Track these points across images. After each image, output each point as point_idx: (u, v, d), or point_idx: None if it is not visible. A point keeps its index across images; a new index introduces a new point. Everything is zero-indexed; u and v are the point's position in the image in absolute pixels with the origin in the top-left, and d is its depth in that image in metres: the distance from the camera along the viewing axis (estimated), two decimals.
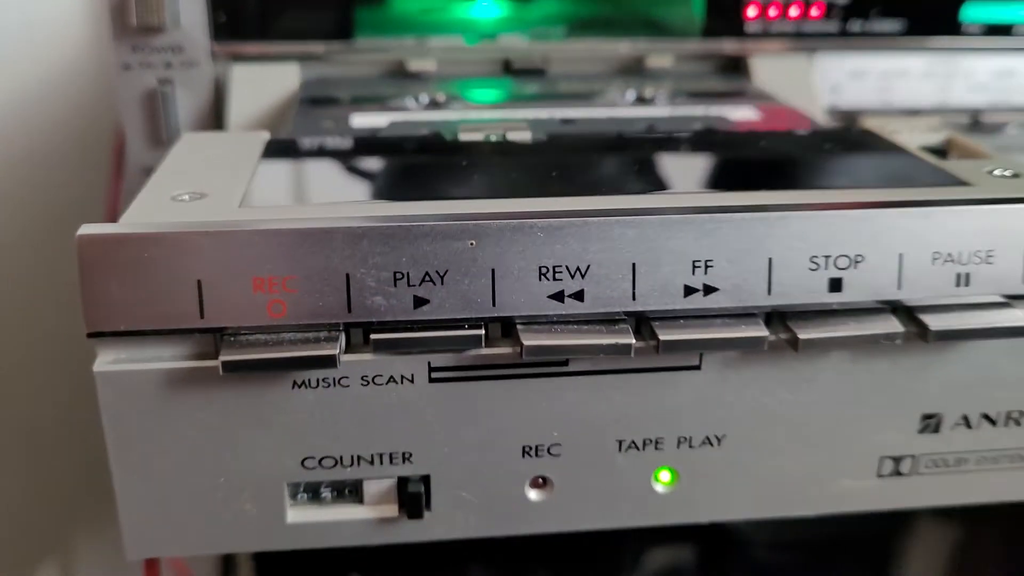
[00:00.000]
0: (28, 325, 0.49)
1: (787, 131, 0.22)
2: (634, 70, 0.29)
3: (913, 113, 0.29)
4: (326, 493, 0.18)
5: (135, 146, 0.27)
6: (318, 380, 0.16)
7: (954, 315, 0.17)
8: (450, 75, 0.28)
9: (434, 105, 0.25)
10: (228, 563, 0.50)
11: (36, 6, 0.43)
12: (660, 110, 0.25)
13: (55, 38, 0.44)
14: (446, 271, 0.16)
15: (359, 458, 0.17)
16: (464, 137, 0.21)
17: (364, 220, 0.16)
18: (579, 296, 0.16)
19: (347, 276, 0.16)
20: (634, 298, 0.16)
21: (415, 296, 0.16)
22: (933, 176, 0.19)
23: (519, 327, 0.16)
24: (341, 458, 0.17)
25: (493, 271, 0.16)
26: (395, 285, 0.16)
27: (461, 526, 0.18)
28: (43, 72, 0.44)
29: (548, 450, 0.18)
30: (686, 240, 0.16)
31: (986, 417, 0.19)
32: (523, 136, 0.21)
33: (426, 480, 0.17)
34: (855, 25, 0.29)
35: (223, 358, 0.15)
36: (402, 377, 0.17)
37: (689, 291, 0.16)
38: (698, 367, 0.17)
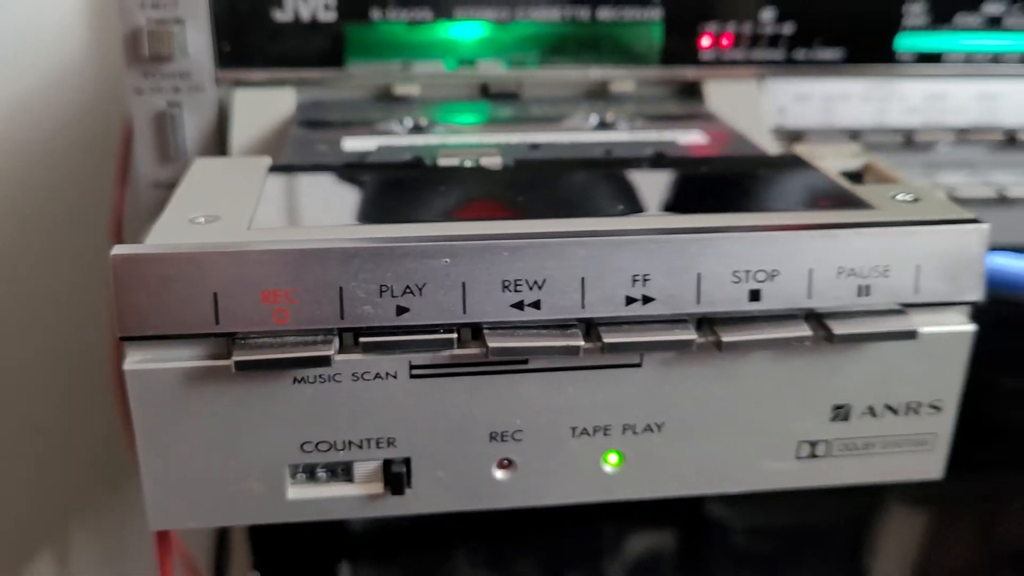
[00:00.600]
0: (30, 325, 0.52)
1: (725, 156, 0.25)
2: (600, 94, 0.32)
3: (852, 133, 0.32)
4: (321, 473, 0.21)
5: (146, 162, 0.30)
6: (315, 376, 0.19)
7: (856, 321, 0.20)
8: (433, 98, 0.31)
9: (417, 129, 0.28)
10: (222, 548, 0.53)
11: (38, 12, 0.46)
12: (618, 135, 0.27)
13: (56, 44, 0.47)
14: (424, 284, 0.19)
15: (349, 443, 0.20)
16: (443, 162, 0.24)
17: (355, 241, 0.19)
18: (537, 305, 0.19)
19: (340, 289, 0.19)
20: (583, 307, 0.19)
21: (397, 305, 0.19)
22: (844, 200, 0.22)
23: (486, 331, 0.19)
24: (334, 443, 0.20)
25: (464, 284, 0.19)
26: (381, 296, 0.19)
27: (437, 501, 0.21)
28: (46, 77, 0.47)
29: (512, 436, 0.21)
30: (627, 258, 0.19)
31: (888, 407, 0.22)
32: (494, 162, 0.24)
33: (407, 462, 0.20)
34: (800, 54, 0.31)
35: (236, 358, 0.18)
36: (387, 374, 0.20)
37: (630, 301, 0.19)
38: (639, 365, 0.20)
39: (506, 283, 0.19)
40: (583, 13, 0.30)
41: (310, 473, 0.21)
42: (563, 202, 0.22)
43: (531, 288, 0.19)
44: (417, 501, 0.21)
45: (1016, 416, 0.59)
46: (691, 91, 0.32)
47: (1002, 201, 0.34)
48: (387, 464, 0.20)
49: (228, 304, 0.18)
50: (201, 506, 0.20)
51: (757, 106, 0.31)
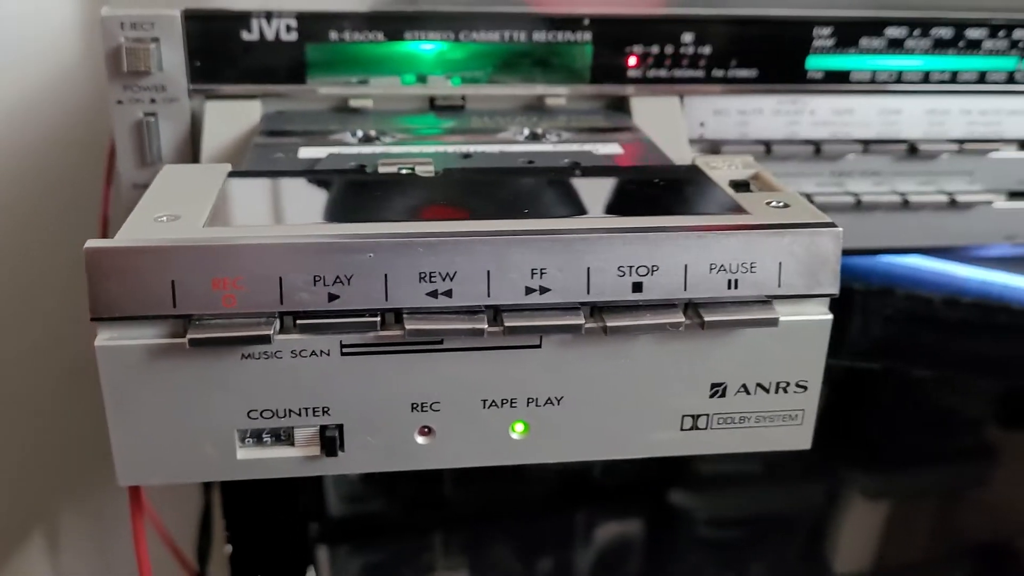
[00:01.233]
0: (27, 316, 0.55)
1: (632, 166, 0.29)
2: (537, 107, 0.35)
3: (766, 143, 0.36)
4: (267, 438, 0.24)
5: (126, 166, 0.33)
6: (260, 353, 0.23)
7: (726, 310, 0.23)
8: (386, 109, 0.35)
9: (367, 139, 0.31)
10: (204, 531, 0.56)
11: (36, 25, 0.49)
12: (543, 146, 0.31)
13: (53, 55, 0.50)
14: (351, 275, 0.22)
15: (289, 411, 0.23)
16: (382, 169, 0.28)
17: (293, 238, 0.22)
18: (449, 294, 0.23)
19: (280, 279, 0.22)
20: (489, 295, 0.23)
21: (329, 293, 0.22)
22: (723, 206, 0.25)
23: (405, 316, 0.23)
24: (276, 411, 0.23)
25: (386, 275, 0.22)
26: (315, 285, 0.22)
27: (367, 463, 0.24)
28: (43, 86, 0.50)
29: (431, 407, 0.24)
30: (527, 254, 0.23)
31: (760, 386, 0.25)
32: (427, 169, 0.27)
33: (340, 428, 0.24)
34: (718, 73, 0.35)
35: (189, 336, 0.22)
36: (321, 352, 0.23)
37: (529, 291, 0.23)
38: (539, 346, 0.24)
39: (422, 275, 0.22)
40: (521, 35, 0.34)
41: (257, 437, 0.24)
42: (479, 205, 0.26)
43: (444, 279, 0.22)
44: (349, 462, 0.24)
45: (973, 410, 0.63)
46: (621, 106, 0.35)
47: (905, 206, 0.37)
48: (323, 430, 0.24)
49: (184, 290, 0.22)
50: (163, 465, 0.24)
51: (677, 120, 0.35)
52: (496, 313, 0.23)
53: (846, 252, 0.37)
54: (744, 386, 0.25)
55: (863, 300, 0.41)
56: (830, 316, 0.24)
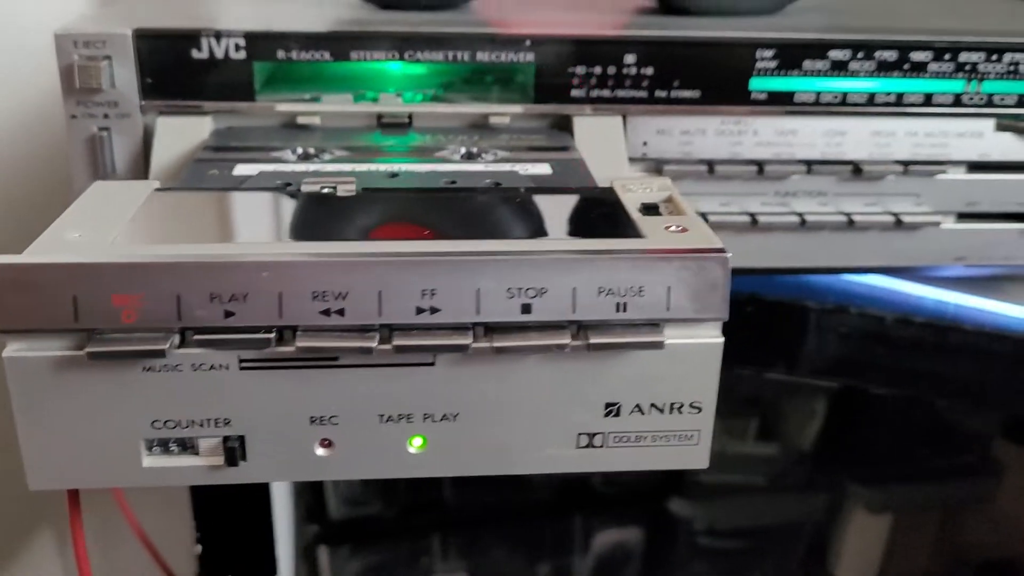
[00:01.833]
0: None
1: (547, 187, 0.29)
2: (483, 125, 0.36)
3: (708, 163, 0.36)
4: (173, 447, 0.25)
5: (80, 179, 0.35)
6: (161, 366, 0.24)
7: (613, 332, 0.24)
8: (335, 127, 0.36)
9: (305, 157, 0.32)
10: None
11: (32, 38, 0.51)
12: (474, 166, 0.32)
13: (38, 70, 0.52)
14: (247, 293, 0.23)
15: (192, 422, 0.24)
16: (305, 188, 0.28)
17: (191, 257, 0.23)
18: (341, 312, 0.23)
19: (178, 296, 0.23)
20: (380, 315, 0.24)
21: (225, 310, 0.23)
22: (622, 230, 0.26)
23: (298, 333, 0.23)
24: (179, 422, 0.24)
25: (280, 294, 0.23)
26: (211, 302, 0.23)
27: (269, 473, 0.25)
28: (25, 100, 0.52)
29: (329, 420, 0.25)
30: (417, 276, 0.23)
31: (654, 406, 0.25)
32: (348, 189, 0.28)
33: (242, 439, 0.25)
34: (661, 93, 0.35)
35: (87, 349, 0.23)
36: (220, 365, 0.24)
37: (420, 311, 0.24)
38: (433, 364, 0.24)
39: (315, 293, 0.23)
40: (465, 56, 0.35)
41: (164, 446, 0.25)
42: (386, 227, 0.26)
43: (336, 298, 0.23)
44: (252, 472, 0.25)
45: (975, 426, 0.63)
46: (565, 125, 0.36)
47: (851, 226, 0.37)
48: (225, 440, 0.25)
49: (85, 306, 0.23)
50: (71, 470, 0.25)
51: (618, 139, 0.35)
52: (387, 332, 0.24)
53: (794, 271, 0.38)
54: (638, 406, 0.25)
55: (817, 318, 0.41)
56: (721, 340, 0.25)
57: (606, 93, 0.35)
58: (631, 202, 0.28)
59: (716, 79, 0.35)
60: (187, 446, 0.25)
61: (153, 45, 0.34)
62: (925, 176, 0.37)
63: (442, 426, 0.25)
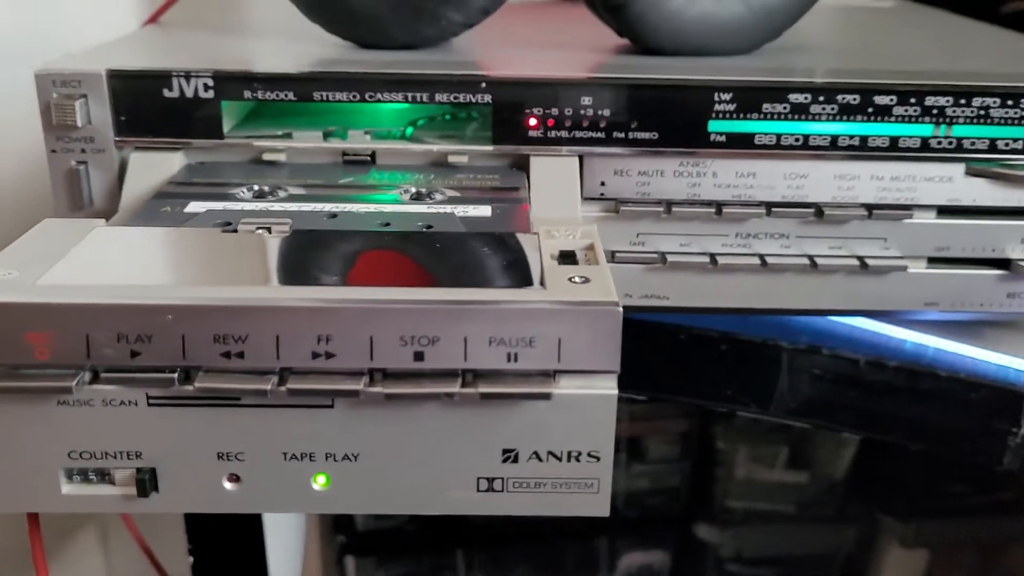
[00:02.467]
0: None
1: (469, 234, 0.30)
2: (444, 164, 0.37)
3: (666, 203, 0.37)
4: (92, 476, 0.26)
5: (60, 210, 0.37)
6: (74, 401, 0.25)
7: (503, 382, 0.25)
8: (301, 163, 0.37)
9: (260, 195, 0.34)
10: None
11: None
12: (415, 207, 0.32)
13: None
14: (151, 335, 0.24)
15: (106, 454, 0.26)
16: (241, 228, 0.30)
17: (99, 299, 0.24)
18: (241, 355, 0.25)
19: (87, 336, 0.24)
20: (278, 358, 0.25)
21: (131, 350, 0.24)
22: (523, 279, 0.26)
23: (200, 374, 0.25)
24: (94, 453, 0.26)
25: (183, 336, 0.24)
26: (118, 342, 0.24)
27: (180, 504, 0.26)
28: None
29: (235, 456, 0.26)
30: (314, 322, 0.24)
31: (552, 454, 0.26)
32: (282, 230, 0.29)
33: (153, 471, 0.26)
34: (618, 134, 0.36)
35: (1, 384, 0.24)
36: (129, 402, 0.25)
37: (316, 355, 0.25)
38: (331, 406, 0.25)
39: (216, 336, 0.24)
40: (423, 97, 0.35)
41: (83, 476, 0.26)
42: (296, 270, 0.27)
43: (236, 341, 0.24)
44: (163, 503, 0.26)
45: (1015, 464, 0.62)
46: (524, 164, 0.36)
47: (814, 268, 0.37)
48: (137, 472, 0.26)
49: (1, 342, 0.24)
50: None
51: (573, 180, 0.36)
52: (285, 375, 0.25)
53: (757, 312, 0.38)
54: (536, 453, 0.26)
55: (789, 358, 0.41)
56: (615, 391, 0.25)
57: (563, 134, 0.36)
58: (549, 249, 0.28)
59: (674, 121, 0.36)
60: (104, 476, 0.26)
61: (125, 84, 0.35)
62: (891, 220, 0.37)
63: (344, 465, 0.26)
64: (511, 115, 0.36)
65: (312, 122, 0.38)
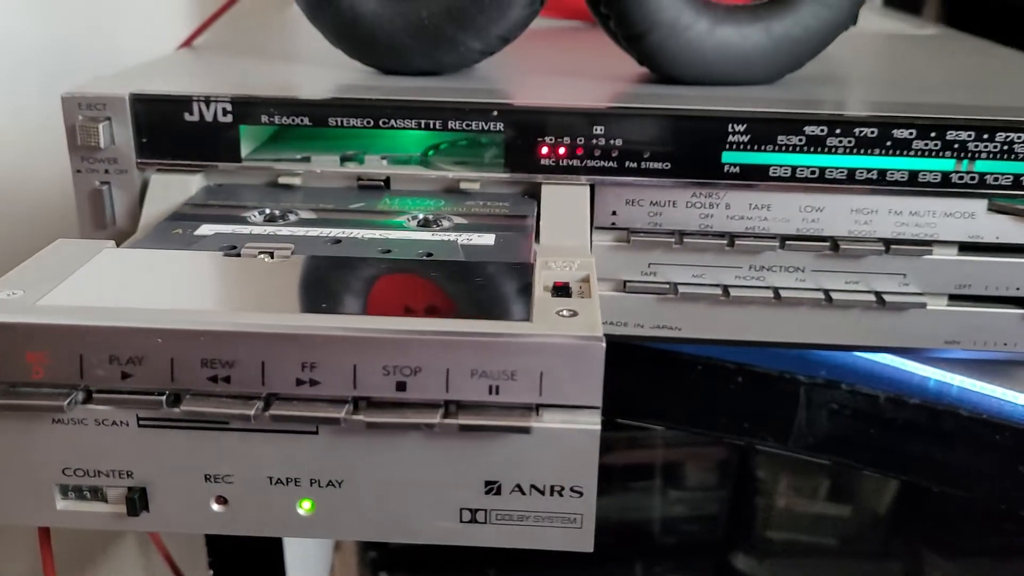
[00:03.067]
0: None
1: (466, 263, 0.30)
2: (456, 190, 0.37)
3: (678, 234, 0.36)
4: (86, 492, 0.27)
5: (85, 228, 0.38)
6: (68, 420, 0.26)
7: (483, 414, 0.25)
8: (316, 186, 0.37)
9: (271, 219, 0.34)
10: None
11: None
12: (420, 234, 0.33)
13: None
14: (143, 357, 0.25)
15: (99, 472, 0.26)
16: (245, 252, 0.30)
17: (92, 321, 0.25)
18: (227, 380, 0.25)
19: (80, 356, 0.25)
20: (263, 384, 0.25)
21: (122, 371, 0.25)
22: (509, 311, 0.26)
23: (187, 398, 0.25)
24: (87, 471, 0.26)
25: (172, 360, 0.25)
26: (110, 364, 0.25)
27: (171, 524, 0.27)
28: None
29: (223, 479, 0.26)
30: (299, 350, 0.25)
31: (535, 488, 0.26)
32: (284, 255, 0.30)
33: (143, 491, 0.27)
34: (631, 164, 0.36)
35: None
36: (120, 422, 0.26)
37: (300, 383, 0.25)
38: (316, 432, 0.26)
39: (204, 361, 0.25)
40: (436, 124, 0.36)
41: (78, 492, 0.27)
42: (291, 296, 0.28)
43: (223, 366, 0.25)
44: (154, 522, 0.27)
45: None
46: (536, 192, 0.37)
47: (829, 303, 0.37)
48: (129, 491, 0.27)
49: (2, 360, 0.25)
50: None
51: (583, 209, 0.36)
52: (271, 400, 0.25)
53: (771, 345, 0.37)
54: (519, 486, 0.26)
55: (807, 392, 0.40)
56: (597, 427, 0.25)
57: (575, 163, 0.36)
58: (543, 281, 0.28)
59: (687, 152, 0.35)
60: (97, 493, 0.27)
61: (147, 108, 0.36)
62: (910, 256, 0.36)
63: (329, 492, 0.26)
64: (523, 143, 0.36)
65: (333, 146, 0.39)
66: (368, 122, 0.36)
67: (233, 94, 0.36)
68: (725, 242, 0.36)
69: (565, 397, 0.25)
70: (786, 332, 0.38)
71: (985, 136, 0.35)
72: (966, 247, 0.37)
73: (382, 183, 0.37)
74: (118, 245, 0.31)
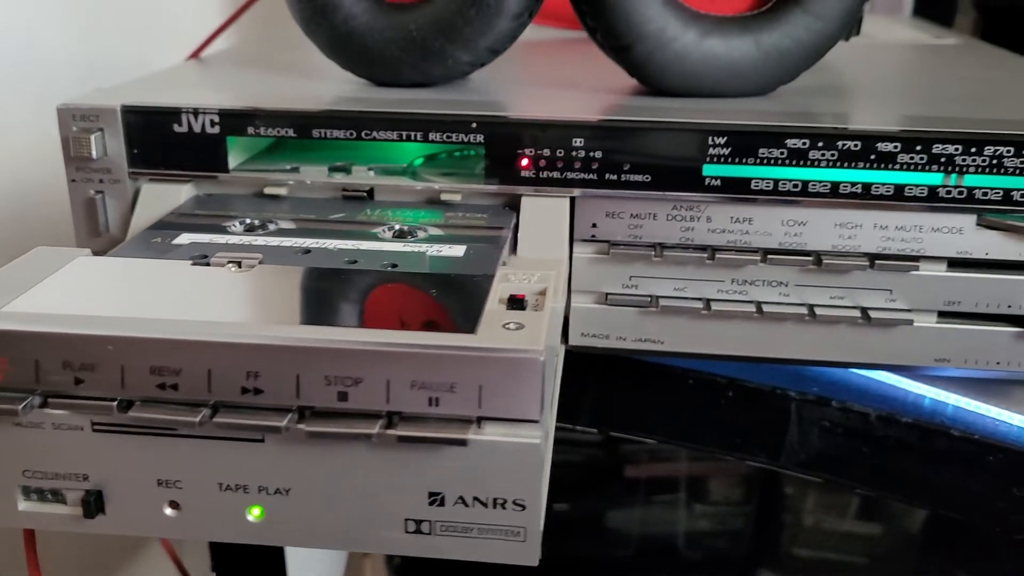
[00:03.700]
0: None
1: (426, 274, 0.30)
2: (438, 201, 0.37)
3: (658, 247, 0.36)
4: (48, 495, 0.28)
5: (81, 235, 0.39)
6: (27, 422, 0.26)
7: (421, 426, 0.25)
8: (303, 196, 0.38)
9: (250, 228, 0.35)
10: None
11: None
12: (390, 245, 0.33)
13: None
14: (95, 364, 0.26)
15: (56, 474, 0.27)
16: (214, 261, 0.31)
17: (46, 327, 0.26)
18: (175, 387, 0.25)
19: (36, 362, 0.26)
20: (210, 391, 0.25)
21: (75, 377, 0.26)
22: (456, 323, 0.26)
23: (136, 404, 0.26)
24: (46, 473, 0.27)
25: (123, 367, 0.25)
26: (64, 369, 0.26)
27: (127, 527, 0.27)
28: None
29: (175, 484, 0.27)
30: (243, 359, 0.25)
31: (478, 500, 0.26)
32: (250, 264, 0.30)
33: (99, 494, 0.27)
34: (611, 176, 0.36)
35: None
36: (76, 426, 0.26)
37: (245, 391, 0.25)
38: (262, 440, 0.26)
39: (153, 368, 0.25)
40: (417, 136, 0.36)
41: (40, 494, 0.28)
42: (249, 306, 0.28)
43: (171, 374, 0.25)
44: (110, 525, 0.27)
45: None
46: (517, 204, 0.37)
47: (813, 318, 0.36)
48: (85, 493, 0.27)
49: None
50: None
51: (562, 221, 0.36)
52: (217, 408, 0.26)
53: (756, 360, 0.37)
54: (462, 498, 0.26)
55: (798, 408, 0.40)
56: (537, 440, 0.25)
57: (555, 175, 0.36)
58: (500, 293, 0.28)
59: (668, 164, 0.35)
60: (57, 495, 0.28)
61: (138, 120, 0.37)
62: (897, 271, 0.36)
63: (276, 499, 0.27)
64: (504, 155, 0.36)
65: (329, 157, 0.39)
66: (351, 133, 0.36)
67: (220, 106, 0.37)
68: (706, 255, 0.36)
69: (504, 410, 0.25)
70: (770, 347, 0.37)
71: (973, 150, 0.34)
72: (955, 263, 0.36)
73: (365, 194, 0.37)
74: None
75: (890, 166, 0.34)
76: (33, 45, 0.64)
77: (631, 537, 0.86)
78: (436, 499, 0.26)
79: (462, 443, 0.25)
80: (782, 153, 0.35)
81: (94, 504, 0.27)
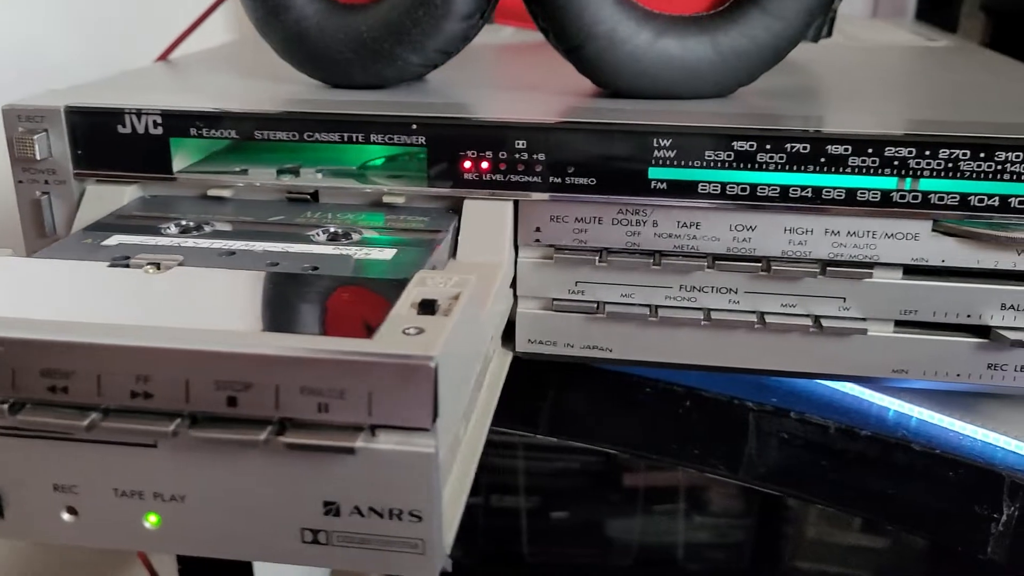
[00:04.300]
0: None
1: (338, 276, 0.30)
2: (381, 203, 0.37)
3: (603, 251, 0.35)
4: None
5: (28, 237, 0.38)
6: None
7: (310, 433, 0.24)
8: (248, 198, 0.37)
9: (185, 230, 0.34)
10: None
11: None
12: (321, 248, 0.32)
13: None
14: None
15: None
16: (134, 263, 0.30)
17: None
18: (65, 391, 0.25)
19: None
20: (99, 395, 0.25)
21: None
22: (357, 328, 0.26)
23: (27, 407, 0.25)
24: None
25: (13, 370, 0.25)
26: None
27: (26, 532, 0.27)
28: None
29: (71, 489, 0.26)
30: (130, 362, 0.24)
31: (373, 510, 0.25)
32: (169, 266, 0.30)
33: (1, 497, 0.27)
34: (555, 179, 0.35)
35: None
36: None
37: (135, 395, 0.25)
38: (155, 446, 0.25)
39: (43, 371, 0.25)
40: (359, 137, 0.35)
41: None
42: (155, 308, 0.28)
43: (62, 377, 0.25)
44: (10, 529, 0.27)
45: None
46: (459, 207, 0.36)
47: (764, 326, 0.35)
48: None
49: None
50: None
51: (504, 225, 0.35)
52: (108, 412, 0.25)
53: (708, 369, 0.36)
54: (357, 508, 0.25)
55: (756, 419, 0.39)
56: (430, 450, 0.24)
57: (498, 177, 0.35)
58: (412, 297, 0.28)
59: (613, 167, 0.34)
60: None
61: (82, 120, 0.37)
62: (849, 279, 0.34)
63: (172, 506, 0.26)
64: (445, 157, 0.35)
65: (283, 158, 0.38)
66: (294, 135, 0.36)
67: (163, 107, 0.36)
68: (652, 261, 0.35)
69: (395, 418, 0.24)
70: (721, 356, 0.36)
71: (927, 153, 0.33)
72: (911, 270, 0.34)
73: (309, 196, 0.37)
74: None
75: (841, 169, 0.33)
76: (42, 53, 0.64)
77: (590, 544, 0.85)
78: (331, 508, 0.25)
79: (350, 451, 0.24)
80: (729, 156, 0.34)
81: None
